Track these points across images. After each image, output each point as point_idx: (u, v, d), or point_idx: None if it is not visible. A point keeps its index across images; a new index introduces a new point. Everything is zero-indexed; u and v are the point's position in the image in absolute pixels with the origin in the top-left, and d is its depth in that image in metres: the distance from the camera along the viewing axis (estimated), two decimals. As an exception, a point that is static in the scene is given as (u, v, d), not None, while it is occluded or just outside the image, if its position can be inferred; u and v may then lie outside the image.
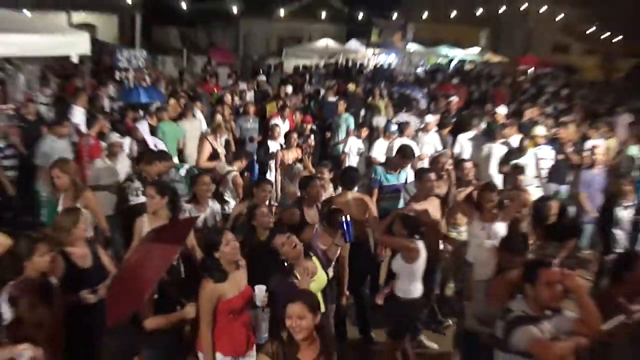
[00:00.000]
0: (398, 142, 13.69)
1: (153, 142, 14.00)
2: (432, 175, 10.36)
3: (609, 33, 67.38)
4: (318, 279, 7.63)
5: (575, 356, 6.19)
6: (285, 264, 7.53)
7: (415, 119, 18.16)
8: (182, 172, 11.59)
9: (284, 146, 14.01)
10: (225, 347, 6.74)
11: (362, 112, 20.26)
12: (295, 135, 14.06)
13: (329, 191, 11.04)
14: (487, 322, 7.41)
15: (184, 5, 39.20)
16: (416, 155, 13.57)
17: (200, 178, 9.85)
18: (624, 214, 11.53)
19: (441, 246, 9.94)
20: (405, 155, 12.09)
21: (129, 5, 41.50)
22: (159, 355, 6.95)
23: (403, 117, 18.23)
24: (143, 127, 14.60)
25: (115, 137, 12.71)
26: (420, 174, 10.76)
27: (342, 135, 16.81)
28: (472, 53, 53.25)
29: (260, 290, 7.14)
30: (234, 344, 6.51)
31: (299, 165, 13.06)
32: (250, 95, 22.72)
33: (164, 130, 14.88)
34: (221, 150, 13.28)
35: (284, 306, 5.41)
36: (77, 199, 9.00)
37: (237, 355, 6.77)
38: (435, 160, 12.15)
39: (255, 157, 13.96)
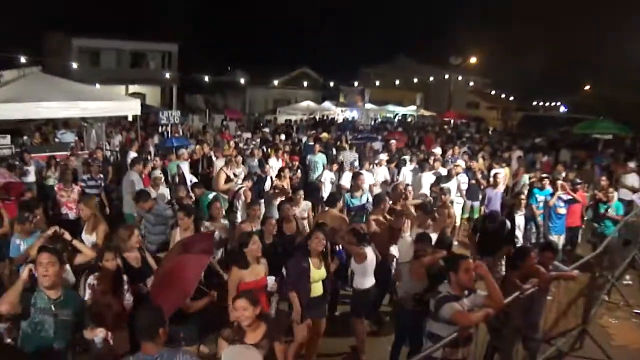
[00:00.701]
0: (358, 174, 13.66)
1: (189, 177, 14.02)
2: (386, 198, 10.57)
3: (504, 95, 68.32)
4: (320, 272, 7.66)
5: (486, 322, 6.27)
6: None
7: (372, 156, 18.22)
8: (210, 196, 11.58)
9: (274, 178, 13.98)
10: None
11: (334, 152, 20.21)
12: (287, 170, 14.00)
13: (301, 206, 11.04)
14: (410, 295, 7.53)
15: (206, 79, 39.56)
16: (371, 183, 13.80)
17: (214, 203, 9.99)
18: (520, 220, 11.61)
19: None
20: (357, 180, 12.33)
21: (168, 79, 42.42)
22: (194, 330, 6.97)
23: (353, 155, 18.42)
24: (184, 166, 14.56)
25: (157, 173, 12.82)
26: (376, 197, 10.90)
27: (319, 170, 16.77)
28: (410, 110, 53.70)
29: (270, 280, 7.40)
30: None
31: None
32: (255, 142, 22.59)
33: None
34: (233, 177, 13.28)
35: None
36: (94, 229, 8.84)
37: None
38: (395, 187, 12.52)
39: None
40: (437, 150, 19.87)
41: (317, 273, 7.60)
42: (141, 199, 10.24)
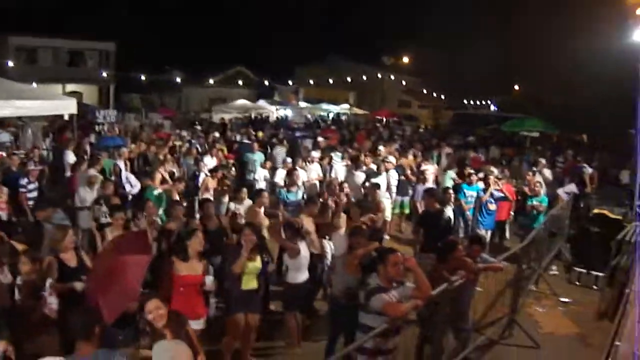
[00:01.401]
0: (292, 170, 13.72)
1: (125, 175, 13.85)
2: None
3: (436, 94, 69.27)
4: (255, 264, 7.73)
5: (416, 312, 6.40)
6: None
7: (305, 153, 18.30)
8: (155, 192, 11.57)
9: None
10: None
11: (268, 151, 20.21)
12: (221, 169, 14.04)
13: (245, 204, 11.01)
14: (344, 288, 7.58)
15: (143, 78, 39.12)
16: (305, 179, 13.87)
17: (146, 204, 10.00)
18: (449, 214, 11.80)
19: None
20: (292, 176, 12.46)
21: (106, 78, 41.61)
22: (132, 331, 6.86)
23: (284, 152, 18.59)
24: (121, 165, 14.39)
25: (93, 172, 12.58)
26: (309, 194, 11.02)
27: (254, 167, 16.74)
28: (344, 108, 53.85)
29: (208, 279, 7.36)
30: (182, 310, 6.37)
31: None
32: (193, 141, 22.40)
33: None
34: (167, 177, 13.25)
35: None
36: None
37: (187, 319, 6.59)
38: (329, 183, 12.85)
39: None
40: (369, 147, 20.05)
41: (251, 266, 7.63)
42: (38, 207, 10.09)
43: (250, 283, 7.67)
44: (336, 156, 17.57)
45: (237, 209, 10.75)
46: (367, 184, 13.55)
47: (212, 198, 11.76)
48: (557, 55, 36.30)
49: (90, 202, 11.29)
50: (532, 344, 9.00)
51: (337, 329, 7.86)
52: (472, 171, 14.41)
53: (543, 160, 18.03)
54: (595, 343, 8.90)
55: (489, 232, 13.30)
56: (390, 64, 68.48)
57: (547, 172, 17.06)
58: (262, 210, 10.64)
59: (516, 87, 72.53)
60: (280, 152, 19.54)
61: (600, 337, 8.38)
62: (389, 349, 6.09)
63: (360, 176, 14.59)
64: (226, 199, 12.06)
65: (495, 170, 15.38)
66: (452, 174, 16.00)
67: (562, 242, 13.28)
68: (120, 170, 14.04)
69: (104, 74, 41.87)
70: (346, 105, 55.45)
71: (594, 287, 11.66)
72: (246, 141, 21.27)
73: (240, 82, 57.62)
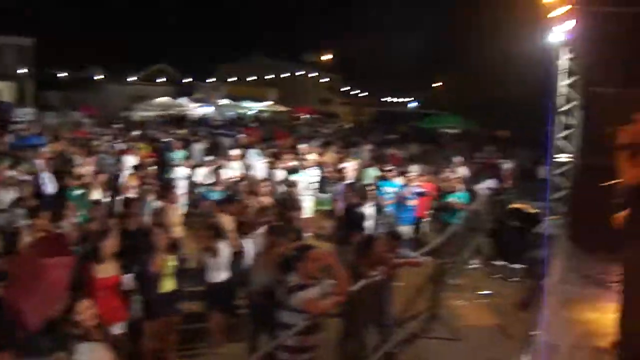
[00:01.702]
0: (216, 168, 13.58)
1: (44, 175, 13.27)
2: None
3: (358, 91, 69.91)
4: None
5: (337, 308, 6.36)
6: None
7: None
8: (76, 193, 11.25)
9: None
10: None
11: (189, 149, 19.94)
12: (141, 167, 13.80)
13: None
14: (263, 286, 7.49)
15: (63, 75, 38.13)
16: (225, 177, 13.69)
17: (67, 205, 9.83)
18: (370, 210, 11.83)
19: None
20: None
21: (24, 75, 40.20)
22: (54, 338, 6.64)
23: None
24: (40, 164, 13.77)
25: (10, 172, 12.16)
26: (229, 192, 10.92)
27: (175, 166, 16.46)
28: (265, 105, 53.83)
29: (127, 278, 7.21)
30: (104, 312, 6.15)
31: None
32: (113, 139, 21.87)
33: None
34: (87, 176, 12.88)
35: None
36: None
37: (108, 322, 6.38)
38: (249, 181, 12.83)
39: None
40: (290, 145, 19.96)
41: (166, 266, 7.50)
42: None
43: (167, 284, 7.52)
44: (256, 154, 17.43)
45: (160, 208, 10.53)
46: (287, 181, 13.49)
47: (135, 197, 11.49)
48: (479, 53, 37.02)
49: (7, 204, 10.83)
50: (454, 337, 9.07)
51: (258, 327, 7.77)
52: (391, 167, 14.49)
53: (457, 158, 18.35)
54: (515, 334, 9.01)
55: (409, 228, 13.39)
56: (312, 61, 68.85)
57: (463, 169, 17.25)
58: (175, 207, 10.49)
59: (438, 84, 73.77)
60: (200, 150, 19.26)
61: (520, 328, 8.52)
62: (311, 346, 6.05)
63: (280, 174, 14.50)
64: (150, 197, 11.81)
65: (415, 167, 15.50)
66: (373, 171, 16.06)
67: (482, 237, 13.49)
68: (39, 170, 13.47)
69: (22, 71, 40.36)
70: (268, 103, 55.48)
71: (513, 279, 11.88)
72: (166, 139, 20.86)
73: (161, 80, 56.82)
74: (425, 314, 9.54)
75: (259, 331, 7.77)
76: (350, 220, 10.63)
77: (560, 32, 11.41)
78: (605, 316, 6.34)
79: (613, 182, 6.01)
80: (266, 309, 7.16)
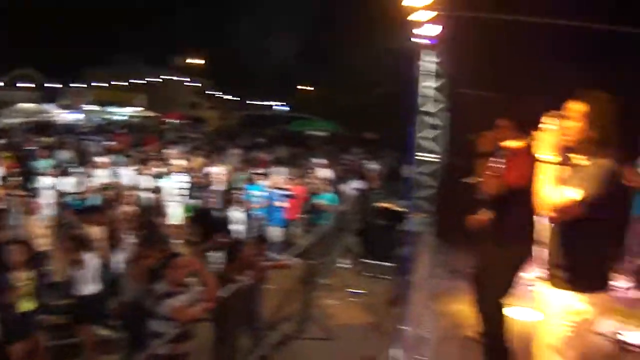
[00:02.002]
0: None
1: None
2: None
3: (226, 95, 69.77)
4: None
5: (207, 314, 6.29)
6: None
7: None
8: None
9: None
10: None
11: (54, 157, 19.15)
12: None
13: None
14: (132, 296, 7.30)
15: None
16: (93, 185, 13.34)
17: None
18: (239, 215, 11.77)
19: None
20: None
21: None
22: None
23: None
24: None
25: None
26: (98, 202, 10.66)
27: (40, 175, 15.76)
28: (134, 111, 52.90)
29: None
30: None
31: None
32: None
33: None
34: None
35: None
36: None
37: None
38: (116, 189, 12.57)
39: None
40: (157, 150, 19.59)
41: (24, 284, 7.12)
42: None
43: (26, 304, 7.16)
44: (123, 160, 16.97)
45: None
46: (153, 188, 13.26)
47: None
48: (348, 55, 37.49)
49: None
50: (327, 336, 9.13)
51: (131, 339, 7.57)
52: (258, 171, 14.51)
53: (320, 161, 18.62)
54: (386, 329, 9.21)
55: (279, 230, 13.43)
56: (181, 65, 68.09)
57: (326, 171, 17.49)
58: (37, 219, 10.06)
59: (308, 88, 74.36)
60: (65, 158, 18.54)
61: (391, 324, 8.68)
62: (182, 353, 6.02)
63: (147, 180, 14.19)
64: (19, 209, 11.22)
65: (283, 170, 15.60)
66: (241, 175, 16.01)
67: (351, 236, 13.70)
68: None
69: None
70: (137, 108, 54.46)
71: (383, 276, 12.11)
72: (31, 148, 19.92)
73: (25, 85, 54.19)
74: (297, 315, 9.57)
75: (132, 343, 7.58)
76: (217, 225, 10.56)
77: (423, 34, 11.71)
78: (470, 307, 6.56)
79: (473, 180, 6.21)
80: (137, 319, 6.99)
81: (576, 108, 3.79)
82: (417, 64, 12.15)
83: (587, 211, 3.50)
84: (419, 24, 11.24)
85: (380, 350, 7.46)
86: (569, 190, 3.51)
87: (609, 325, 6.48)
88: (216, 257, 9.09)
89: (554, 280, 3.79)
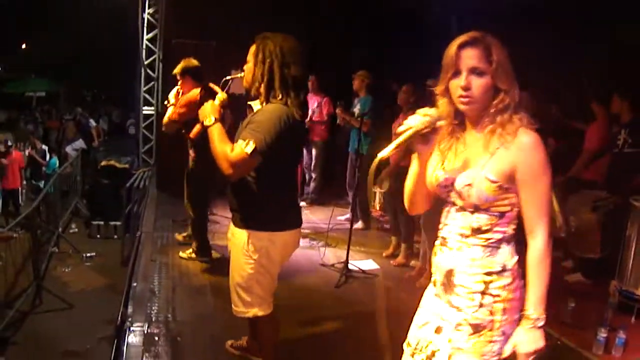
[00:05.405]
0: None
1: None
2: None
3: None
4: None
5: None
6: None
7: None
8: None
9: None
10: None
11: None
12: None
13: None
14: None
15: None
16: None
17: None
18: None
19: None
20: None
21: None
22: None
23: None
24: None
25: None
26: None
27: None
28: None
29: None
30: None
31: None
32: None
33: None
34: None
35: None
36: None
37: None
38: None
39: None
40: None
41: None
42: None
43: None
44: None
45: None
46: None
47: None
48: (68, 11, 34.95)
49: None
50: (65, 305, 9.00)
51: None
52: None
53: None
54: (122, 288, 9.26)
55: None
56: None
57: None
58: None
59: (24, 47, 69.02)
60: None
61: (125, 282, 8.76)
62: None
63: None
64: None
65: (4, 135, 14.77)
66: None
67: (77, 199, 13.41)
68: None
69: None
70: None
71: (114, 236, 12.05)
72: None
73: None
74: (31, 289, 9.27)
75: None
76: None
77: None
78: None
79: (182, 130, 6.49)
80: None
81: (251, 50, 3.63)
82: (141, 16, 12.03)
83: (260, 161, 3.39)
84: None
85: (117, 311, 7.57)
86: (241, 143, 3.34)
87: (334, 257, 7.13)
88: None
89: (234, 219, 3.80)
